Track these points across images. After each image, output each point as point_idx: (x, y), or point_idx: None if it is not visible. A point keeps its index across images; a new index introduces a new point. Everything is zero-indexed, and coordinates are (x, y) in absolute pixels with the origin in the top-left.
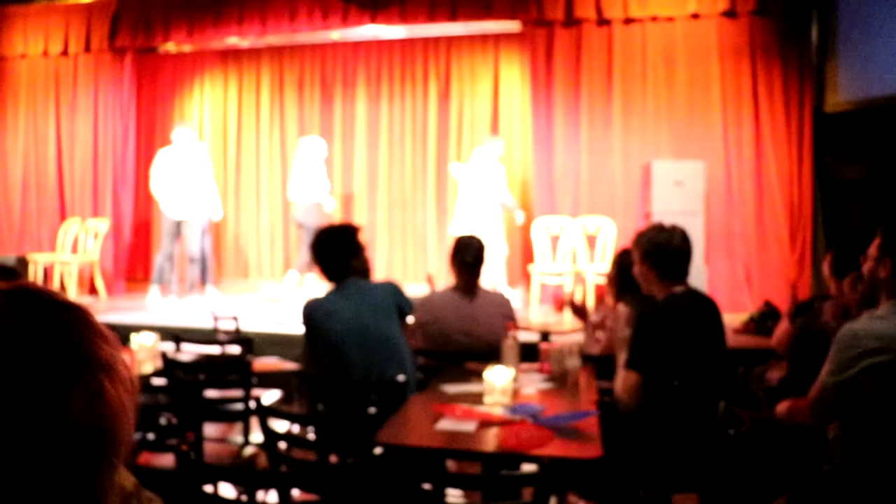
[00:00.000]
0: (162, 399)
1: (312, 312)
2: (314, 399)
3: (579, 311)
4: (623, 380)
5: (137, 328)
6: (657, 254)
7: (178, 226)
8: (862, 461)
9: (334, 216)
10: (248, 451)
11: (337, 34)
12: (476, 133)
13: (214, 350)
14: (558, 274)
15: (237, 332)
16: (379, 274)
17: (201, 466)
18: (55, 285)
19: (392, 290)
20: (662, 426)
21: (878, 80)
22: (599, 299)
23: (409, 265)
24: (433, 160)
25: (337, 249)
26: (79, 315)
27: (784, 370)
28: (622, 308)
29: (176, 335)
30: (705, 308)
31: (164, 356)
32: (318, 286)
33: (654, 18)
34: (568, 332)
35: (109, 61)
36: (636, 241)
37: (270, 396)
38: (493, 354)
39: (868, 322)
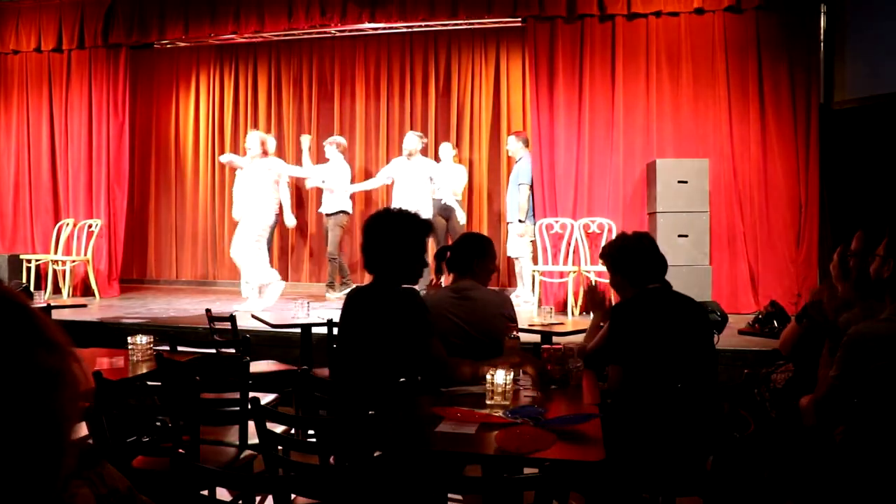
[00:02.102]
0: (157, 401)
1: None
2: (312, 401)
3: (599, 303)
4: (611, 373)
5: (132, 328)
6: (625, 262)
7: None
8: (868, 463)
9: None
10: (245, 454)
11: (335, 28)
12: (477, 130)
13: (211, 351)
14: (560, 274)
15: (234, 332)
16: None
17: (197, 469)
18: (48, 285)
19: None
20: (666, 428)
21: (888, 77)
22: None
23: None
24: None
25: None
26: (17, 322)
27: (790, 372)
28: None
29: (172, 336)
30: (679, 302)
31: (159, 357)
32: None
33: (657, 14)
34: (570, 332)
35: (103, 57)
36: (603, 255)
37: (267, 398)
38: (493, 355)
39: (874, 325)
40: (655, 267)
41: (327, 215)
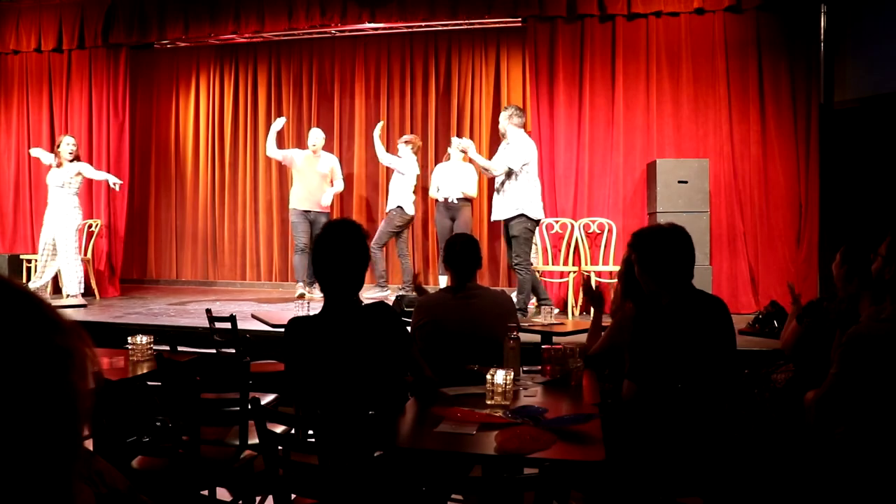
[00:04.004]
0: (157, 401)
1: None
2: (312, 401)
3: (596, 298)
4: (625, 388)
5: (132, 328)
6: (653, 259)
7: (309, 222)
8: (868, 463)
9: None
10: (245, 454)
11: (335, 28)
12: (477, 130)
13: (211, 351)
14: (560, 274)
15: (234, 332)
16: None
17: (197, 469)
18: (48, 285)
19: None
20: (666, 429)
21: (888, 76)
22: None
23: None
24: (433, 158)
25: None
26: (27, 306)
27: (790, 372)
28: (629, 310)
29: (172, 336)
30: (709, 311)
31: (159, 357)
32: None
33: (657, 14)
34: (570, 332)
35: (103, 57)
36: (633, 244)
37: (267, 398)
38: (493, 356)
39: (875, 325)
40: (687, 269)
41: (387, 212)
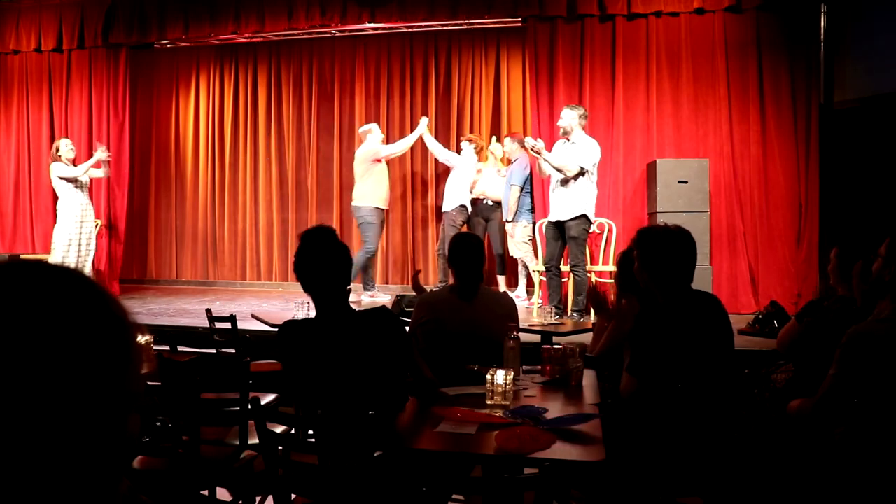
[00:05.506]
0: (157, 401)
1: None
2: (312, 402)
3: (601, 305)
4: (624, 382)
5: None
6: (655, 259)
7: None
8: (868, 463)
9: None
10: (245, 454)
11: (335, 28)
12: (477, 130)
13: (211, 351)
14: (561, 274)
15: (234, 332)
16: (378, 273)
17: (197, 469)
18: None
19: None
20: (666, 429)
21: (888, 76)
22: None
23: (409, 264)
24: (433, 158)
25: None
26: (97, 298)
27: (790, 372)
28: (626, 306)
29: (172, 336)
30: (706, 310)
31: (159, 357)
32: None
33: (657, 14)
34: (570, 333)
35: (103, 57)
36: (636, 241)
37: (267, 398)
38: (494, 356)
39: (874, 325)
40: (688, 271)
41: (444, 212)
